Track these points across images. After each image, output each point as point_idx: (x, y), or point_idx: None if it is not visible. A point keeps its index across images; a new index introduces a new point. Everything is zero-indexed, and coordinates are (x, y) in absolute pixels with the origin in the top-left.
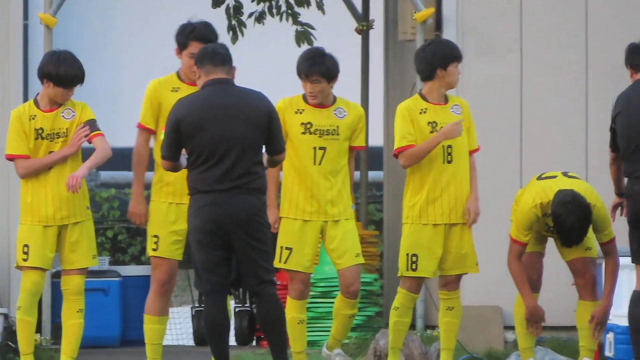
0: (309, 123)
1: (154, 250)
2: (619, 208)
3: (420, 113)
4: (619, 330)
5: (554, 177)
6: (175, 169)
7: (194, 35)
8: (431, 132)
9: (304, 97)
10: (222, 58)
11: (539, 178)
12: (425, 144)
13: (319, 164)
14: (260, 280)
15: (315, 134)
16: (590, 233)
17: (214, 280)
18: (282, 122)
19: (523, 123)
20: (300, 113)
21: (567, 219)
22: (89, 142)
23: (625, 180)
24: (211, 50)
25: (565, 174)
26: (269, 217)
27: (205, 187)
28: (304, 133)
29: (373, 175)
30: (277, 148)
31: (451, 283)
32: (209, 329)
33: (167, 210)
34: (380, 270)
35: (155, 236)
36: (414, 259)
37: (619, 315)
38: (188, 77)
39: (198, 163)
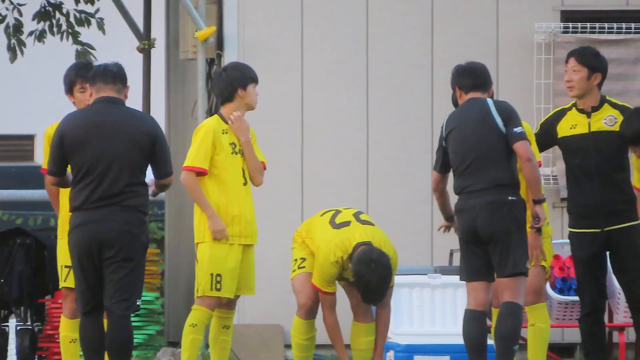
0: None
1: (65, 281)
2: (447, 229)
3: (223, 133)
4: (399, 348)
5: (348, 223)
6: (61, 184)
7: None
8: (232, 153)
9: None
10: (113, 76)
11: (333, 224)
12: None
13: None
14: (116, 300)
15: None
16: None
17: (88, 299)
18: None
19: (304, 141)
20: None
21: (371, 279)
22: None
23: (457, 197)
24: (103, 68)
25: (357, 217)
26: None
27: (82, 204)
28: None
29: None
30: (162, 172)
31: (232, 302)
32: (84, 347)
33: None
34: (161, 288)
35: (68, 266)
36: (219, 278)
37: (400, 333)
38: None
39: (78, 179)
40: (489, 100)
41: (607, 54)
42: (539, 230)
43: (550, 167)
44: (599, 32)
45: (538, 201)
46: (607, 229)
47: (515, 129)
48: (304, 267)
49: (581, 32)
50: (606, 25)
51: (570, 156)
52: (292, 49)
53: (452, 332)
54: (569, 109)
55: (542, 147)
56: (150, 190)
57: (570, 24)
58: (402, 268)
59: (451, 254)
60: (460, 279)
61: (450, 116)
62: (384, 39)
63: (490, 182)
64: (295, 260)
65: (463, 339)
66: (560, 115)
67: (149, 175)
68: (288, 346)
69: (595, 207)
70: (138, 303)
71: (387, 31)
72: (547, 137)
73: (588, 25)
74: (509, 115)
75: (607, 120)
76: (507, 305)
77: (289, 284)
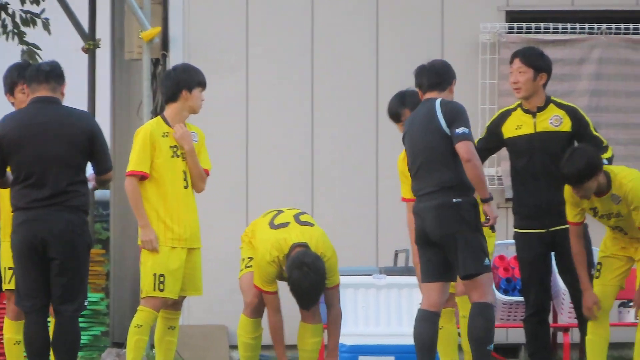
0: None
1: (8, 283)
2: None
3: (163, 136)
4: (344, 349)
5: (287, 224)
6: (1, 184)
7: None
8: (172, 156)
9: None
10: (46, 76)
11: (272, 224)
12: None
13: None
14: (64, 301)
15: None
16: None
17: (32, 299)
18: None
19: (249, 141)
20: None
21: (303, 283)
22: None
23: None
24: (36, 69)
25: (297, 218)
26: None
27: (24, 204)
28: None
29: (99, 193)
30: (101, 168)
31: (178, 303)
32: (28, 348)
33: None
34: (106, 289)
35: (11, 268)
36: (162, 279)
37: (345, 334)
38: None
39: (19, 180)
40: (437, 102)
41: (552, 54)
42: (492, 229)
43: (495, 168)
44: (544, 33)
45: (485, 200)
46: (553, 229)
47: (457, 130)
48: (250, 266)
49: (526, 33)
50: (551, 25)
51: (515, 156)
52: (237, 50)
53: (397, 333)
54: (514, 109)
55: (491, 150)
56: (91, 184)
57: (515, 24)
58: (347, 269)
59: (396, 255)
60: (421, 280)
61: (408, 119)
62: (329, 39)
63: (436, 184)
64: (243, 259)
65: (413, 338)
66: (505, 116)
67: (89, 170)
68: (233, 347)
69: (540, 207)
70: (85, 303)
71: (332, 31)
72: (493, 139)
73: (533, 25)
74: (454, 116)
75: (553, 120)
76: (476, 306)
77: (234, 285)
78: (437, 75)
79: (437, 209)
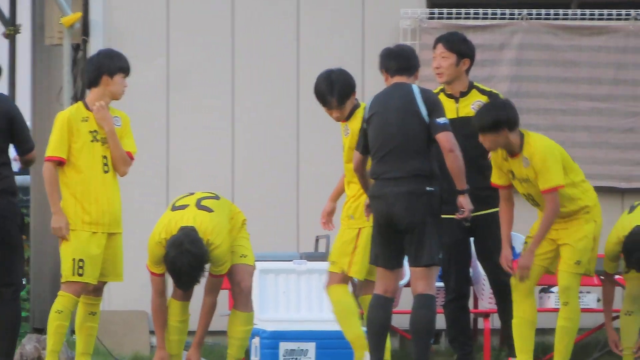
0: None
1: None
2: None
3: (82, 121)
4: (265, 335)
5: (185, 206)
6: None
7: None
8: (92, 140)
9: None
10: None
11: (173, 206)
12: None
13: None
14: (3, 284)
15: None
16: None
17: None
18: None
19: (170, 127)
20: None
21: (178, 262)
22: None
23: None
24: None
25: (198, 202)
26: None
27: None
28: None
29: (20, 179)
30: (24, 149)
31: (99, 289)
32: None
33: None
34: (26, 275)
35: None
36: (81, 264)
37: (265, 320)
38: None
39: None
40: (415, 88)
41: (472, 39)
42: (465, 221)
43: None
44: (465, 18)
45: (462, 192)
46: (473, 214)
47: (439, 120)
48: None
49: (447, 18)
50: (472, 11)
51: (436, 141)
52: (158, 35)
53: (318, 319)
54: (437, 94)
55: None
56: (18, 165)
57: (436, 10)
58: (267, 254)
59: (317, 240)
60: (370, 262)
61: (374, 99)
62: (250, 25)
63: (409, 171)
64: None
65: (367, 323)
66: None
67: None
68: (154, 332)
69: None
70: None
71: (253, 17)
72: None
73: (454, 11)
74: (434, 106)
75: (476, 106)
76: (420, 298)
77: None
78: (406, 60)
79: (409, 196)
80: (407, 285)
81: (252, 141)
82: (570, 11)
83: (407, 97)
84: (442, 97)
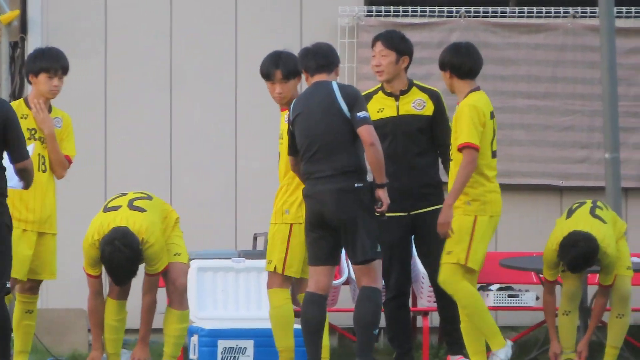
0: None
1: None
2: None
3: (21, 118)
4: (203, 333)
5: (117, 207)
6: None
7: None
8: (28, 138)
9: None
10: None
11: (105, 207)
12: None
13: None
14: None
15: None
16: None
17: None
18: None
19: (107, 125)
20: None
21: (113, 258)
22: None
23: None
24: None
25: (131, 203)
26: None
27: None
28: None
29: None
30: (16, 156)
31: (35, 287)
32: None
33: None
34: None
35: None
36: None
37: (203, 317)
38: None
39: None
40: (335, 85)
41: (411, 37)
42: (382, 214)
43: None
44: (403, 16)
45: (381, 185)
46: (413, 212)
47: (359, 114)
48: None
49: (385, 16)
50: (410, 9)
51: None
52: (96, 33)
53: (256, 317)
54: (375, 92)
55: None
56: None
57: (374, 8)
58: (205, 252)
59: (255, 238)
60: (308, 263)
61: (296, 100)
62: (188, 23)
63: (337, 168)
64: None
65: (301, 321)
66: (366, 99)
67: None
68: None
69: (401, 190)
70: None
71: (191, 15)
72: None
73: (392, 8)
74: (354, 100)
75: (416, 103)
76: (365, 290)
77: None
78: (324, 57)
79: (338, 193)
80: (346, 283)
81: (190, 139)
82: (508, 9)
83: (327, 95)
84: (380, 96)
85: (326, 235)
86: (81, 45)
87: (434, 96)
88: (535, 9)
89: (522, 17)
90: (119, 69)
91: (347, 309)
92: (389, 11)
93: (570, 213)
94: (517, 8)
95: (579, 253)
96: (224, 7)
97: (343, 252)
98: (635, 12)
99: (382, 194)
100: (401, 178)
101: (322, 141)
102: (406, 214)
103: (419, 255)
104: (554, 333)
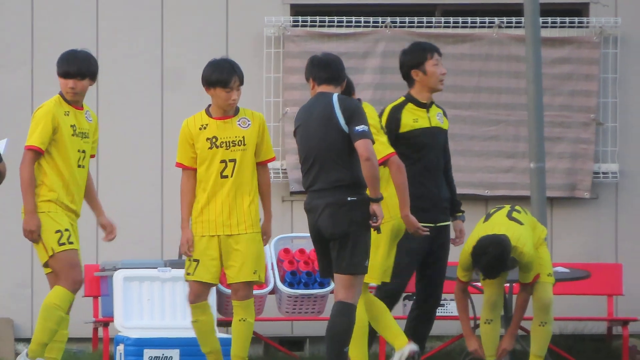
0: None
1: None
2: None
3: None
4: (129, 342)
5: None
6: None
7: None
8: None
9: None
10: None
11: None
12: None
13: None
14: None
15: None
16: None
17: None
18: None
19: None
20: None
21: None
22: None
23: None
24: None
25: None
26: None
27: None
28: None
29: None
30: None
31: None
32: None
33: None
34: None
35: None
36: None
37: (129, 327)
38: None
39: None
40: (335, 97)
41: (336, 47)
42: (377, 229)
43: (280, 161)
44: (329, 26)
45: (376, 200)
46: (439, 224)
47: (357, 127)
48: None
49: (311, 26)
50: (336, 19)
51: (412, 150)
52: (22, 44)
53: (182, 326)
54: (404, 103)
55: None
56: None
57: (300, 18)
58: (131, 262)
59: None
60: (320, 276)
61: (300, 110)
62: (114, 30)
63: (331, 182)
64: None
65: (327, 329)
66: (396, 111)
67: None
68: (18, 340)
69: (433, 201)
70: None
71: (117, 24)
72: (392, 134)
73: (317, 19)
74: (352, 114)
75: (439, 117)
76: (339, 305)
77: (20, 279)
78: (335, 70)
79: (331, 207)
80: (272, 292)
81: (117, 149)
82: (434, 19)
83: (326, 107)
84: (412, 107)
85: (325, 249)
86: (8, 55)
87: (444, 112)
88: (460, 19)
89: (448, 27)
90: (45, 79)
91: (272, 317)
92: (315, 21)
93: (487, 217)
94: (442, 18)
95: (490, 259)
96: (150, 15)
97: (267, 259)
98: (561, 23)
99: (377, 209)
100: (433, 189)
101: (316, 154)
102: (433, 225)
103: (421, 266)
104: (468, 329)
